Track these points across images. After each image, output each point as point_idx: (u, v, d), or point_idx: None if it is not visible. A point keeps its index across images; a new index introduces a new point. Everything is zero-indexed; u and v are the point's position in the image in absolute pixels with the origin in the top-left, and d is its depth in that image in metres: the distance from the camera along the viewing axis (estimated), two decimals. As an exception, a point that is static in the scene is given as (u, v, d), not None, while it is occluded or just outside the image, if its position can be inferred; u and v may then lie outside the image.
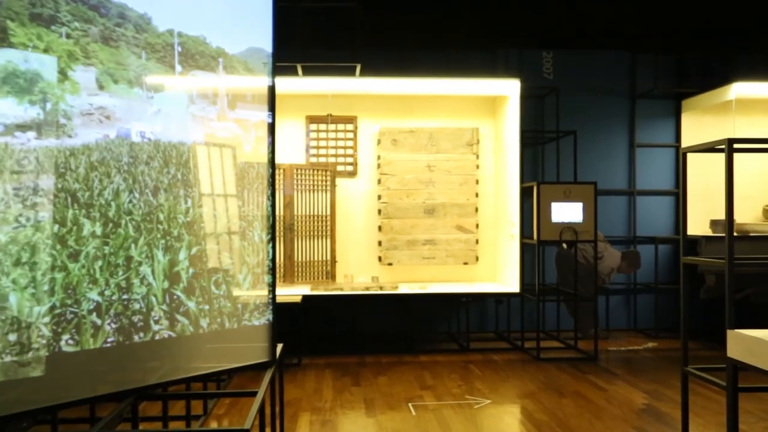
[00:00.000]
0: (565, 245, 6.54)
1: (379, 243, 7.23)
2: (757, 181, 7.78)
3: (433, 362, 6.27)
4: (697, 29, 7.64)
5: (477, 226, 7.31)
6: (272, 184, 3.61)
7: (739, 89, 7.16)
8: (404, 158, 7.26)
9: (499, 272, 7.34)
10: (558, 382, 5.53)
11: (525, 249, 6.80)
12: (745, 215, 7.67)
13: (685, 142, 8.05)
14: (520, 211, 6.66)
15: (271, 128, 3.60)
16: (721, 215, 7.68)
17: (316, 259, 7.03)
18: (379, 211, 7.23)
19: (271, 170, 3.60)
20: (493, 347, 6.92)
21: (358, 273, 7.24)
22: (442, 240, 7.27)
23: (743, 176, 7.72)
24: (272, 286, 3.62)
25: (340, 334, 7.37)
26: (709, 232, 7.55)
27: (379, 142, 7.26)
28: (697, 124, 8.00)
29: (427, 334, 7.47)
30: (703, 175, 8.01)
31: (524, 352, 6.69)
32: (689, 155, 8.20)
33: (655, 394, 5.16)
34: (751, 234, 7.15)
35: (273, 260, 3.62)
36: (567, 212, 6.36)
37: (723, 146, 3.10)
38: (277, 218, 6.87)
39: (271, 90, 3.59)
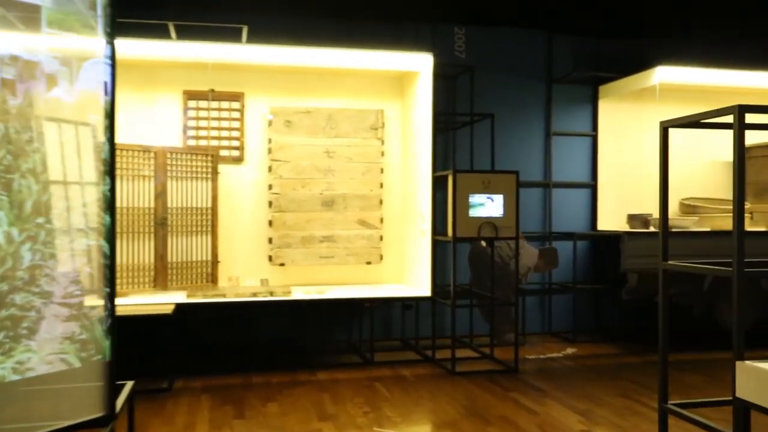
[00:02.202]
0: (484, 243, 5.77)
1: (270, 240, 6.22)
2: (674, 174, 7.33)
3: (333, 381, 5.34)
4: (616, 10, 7.08)
5: (382, 220, 6.44)
6: (111, 163, 2.57)
7: (664, 74, 6.65)
8: (299, 142, 6.28)
9: (406, 273, 6.51)
10: (479, 403, 4.74)
11: (436, 247, 5.97)
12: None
13: (602, 130, 7.52)
14: (432, 203, 5.84)
15: (111, 93, 2.56)
16: (638, 209, 7.22)
17: (194, 259, 5.94)
18: (270, 204, 6.22)
19: (109, 147, 2.56)
20: (401, 359, 6.07)
21: (245, 275, 6.19)
22: (343, 236, 6.36)
23: (671, 167, 7.26)
24: (110, 303, 2.58)
25: (222, 348, 6.30)
26: (626, 227, 7.05)
27: (270, 123, 6.24)
28: (615, 112, 7.49)
29: (325, 345, 6.53)
30: (618, 167, 7.53)
31: (436, 365, 5.88)
32: (601, 142, 7.75)
33: (590, 416, 4.46)
34: (673, 230, 6.67)
35: (111, 267, 2.58)
36: (486, 205, 5.59)
37: (730, 116, 2.32)
38: (147, 211, 5.72)
39: (110, 41, 2.56)
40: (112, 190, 2.49)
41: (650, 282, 6.58)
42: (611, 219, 7.45)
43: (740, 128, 2.46)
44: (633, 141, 7.48)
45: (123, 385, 2.92)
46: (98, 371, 2.38)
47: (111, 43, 2.48)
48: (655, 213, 7.01)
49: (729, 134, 7.72)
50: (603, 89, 7.46)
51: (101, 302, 2.40)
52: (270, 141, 6.24)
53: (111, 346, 2.42)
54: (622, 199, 7.43)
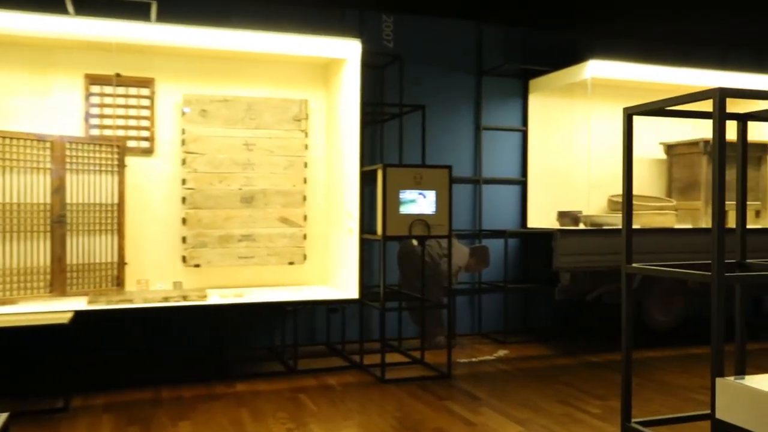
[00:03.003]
0: (415, 241, 5.45)
1: (184, 239, 5.71)
2: (602, 171, 7.26)
3: (253, 393, 4.90)
4: (548, 1, 6.91)
5: (305, 218, 6.03)
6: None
7: (595, 69, 6.51)
8: (216, 134, 5.79)
9: (332, 274, 6.12)
10: (413, 415, 4.41)
11: (363, 246, 5.59)
12: (592, 206, 7.09)
13: (533, 125, 7.34)
14: (360, 200, 5.47)
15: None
16: (568, 206, 7.10)
17: (98, 261, 5.36)
18: (184, 200, 5.71)
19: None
20: (327, 366, 5.68)
21: (156, 278, 5.66)
22: (263, 235, 5.91)
23: (594, 164, 7.16)
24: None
25: (128, 360, 5.74)
26: (556, 224, 6.90)
27: (183, 112, 5.72)
28: (546, 106, 7.33)
29: (244, 353, 6.07)
30: (548, 163, 7.38)
31: (365, 372, 5.52)
32: (531, 138, 7.56)
33: (530, 426, 4.20)
34: (605, 227, 6.55)
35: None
36: (418, 202, 5.27)
37: (711, 98, 2.06)
38: (43, 207, 5.10)
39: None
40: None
41: (583, 281, 6.45)
42: (541, 216, 7.29)
43: (721, 114, 2.20)
44: (563, 136, 7.35)
45: (-4, 418, 2.42)
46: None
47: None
48: (585, 210, 6.90)
49: (655, 130, 7.67)
50: (533, 83, 7.29)
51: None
52: (183, 132, 5.72)
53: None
54: (552, 195, 7.29)
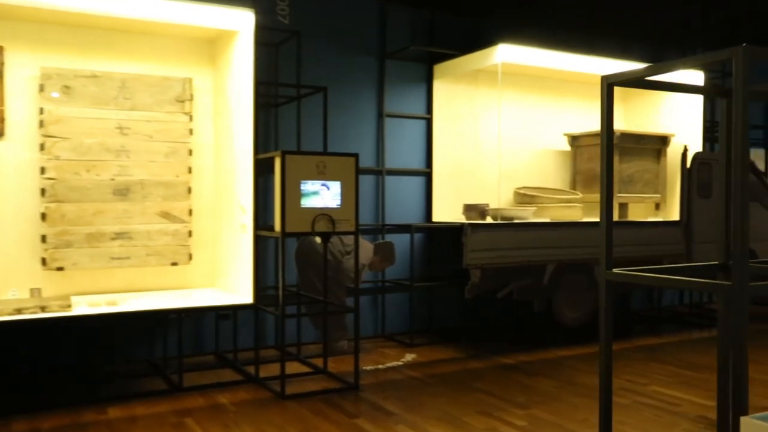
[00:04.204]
0: (319, 238, 4.86)
1: (43, 238, 4.83)
2: (508, 163, 6.96)
3: (129, 419, 4.15)
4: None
5: (190, 212, 5.30)
6: None
7: (505, 54, 6.16)
8: (83, 114, 4.95)
9: (222, 275, 5.42)
10: (320, 438, 3.84)
11: (258, 244, 4.94)
12: (501, 199, 6.77)
13: (438, 114, 6.91)
14: (254, 192, 4.82)
15: None
16: (474, 199, 6.72)
17: (-69, 265, 4.42)
18: (43, 192, 4.83)
19: None
20: (217, 381, 4.98)
21: (8, 284, 4.78)
22: (141, 232, 5.13)
23: (505, 155, 6.84)
24: None
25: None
26: (461, 218, 6.52)
27: (41, 88, 4.83)
28: (451, 93, 6.92)
29: (119, 368, 5.26)
30: (453, 154, 6.99)
31: (261, 386, 4.88)
32: (436, 126, 7.12)
33: (453, 445, 3.74)
34: (516, 221, 6.23)
35: None
36: (321, 194, 4.69)
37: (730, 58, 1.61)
38: None
39: None
40: None
41: (494, 278, 6.11)
42: (446, 210, 6.90)
43: (745, 76, 1.77)
44: (469, 125, 6.99)
45: None
46: None
47: None
48: (493, 203, 6.56)
49: (560, 121, 7.45)
50: (438, 68, 6.86)
51: None
52: (42, 111, 4.83)
53: None
54: (458, 188, 6.92)
